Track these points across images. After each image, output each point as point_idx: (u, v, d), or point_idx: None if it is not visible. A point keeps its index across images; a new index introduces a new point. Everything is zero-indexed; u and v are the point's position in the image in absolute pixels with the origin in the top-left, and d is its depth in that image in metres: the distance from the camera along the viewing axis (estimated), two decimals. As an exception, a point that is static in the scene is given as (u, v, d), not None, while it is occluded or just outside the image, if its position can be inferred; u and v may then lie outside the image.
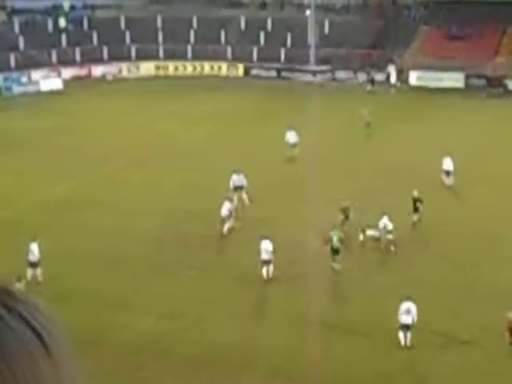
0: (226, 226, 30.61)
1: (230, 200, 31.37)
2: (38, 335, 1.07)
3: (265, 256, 26.55)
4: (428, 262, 27.90)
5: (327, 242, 27.37)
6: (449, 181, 35.79)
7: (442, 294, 25.14)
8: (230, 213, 30.71)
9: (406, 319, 22.10)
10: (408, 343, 22.12)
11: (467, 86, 59.43)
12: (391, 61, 62.20)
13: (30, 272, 26.82)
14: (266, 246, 26.60)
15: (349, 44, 65.07)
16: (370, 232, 29.02)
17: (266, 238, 26.79)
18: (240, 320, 23.77)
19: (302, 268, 27.27)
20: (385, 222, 28.56)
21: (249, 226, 30.87)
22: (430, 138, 44.03)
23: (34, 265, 26.93)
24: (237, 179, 32.69)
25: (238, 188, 32.70)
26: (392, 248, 28.65)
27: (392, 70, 61.22)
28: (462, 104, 53.86)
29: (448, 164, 35.70)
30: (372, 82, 59.88)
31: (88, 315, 23.74)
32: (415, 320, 22.08)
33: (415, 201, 31.04)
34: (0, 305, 1.05)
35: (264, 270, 26.53)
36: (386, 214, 28.63)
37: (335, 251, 27.31)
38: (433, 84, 59.56)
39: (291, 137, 39.95)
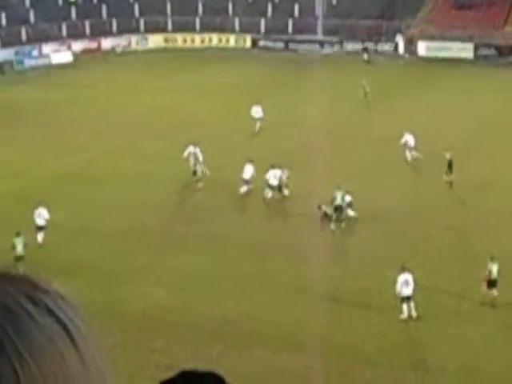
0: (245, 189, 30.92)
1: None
2: (67, 330, 1.01)
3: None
4: (435, 233, 27.77)
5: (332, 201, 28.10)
6: (410, 155, 35.03)
7: (448, 264, 25.05)
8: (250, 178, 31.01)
9: (406, 291, 21.93)
10: (413, 314, 22.04)
11: (476, 55, 58.89)
12: (399, 31, 61.59)
13: (39, 236, 27.06)
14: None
15: (357, 14, 64.46)
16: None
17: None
18: (249, 292, 23.76)
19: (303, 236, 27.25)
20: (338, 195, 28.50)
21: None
22: (437, 108, 43.80)
23: (41, 228, 27.14)
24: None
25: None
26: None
27: (400, 40, 60.68)
28: (471, 74, 53.31)
29: (410, 139, 34.86)
30: (366, 50, 59.40)
31: (98, 287, 23.71)
32: (414, 290, 21.96)
33: (449, 162, 31.24)
34: (26, 298, 0.99)
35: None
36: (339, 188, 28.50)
37: (337, 209, 28.03)
38: (441, 54, 58.98)
39: (257, 112, 39.69)
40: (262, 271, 25.19)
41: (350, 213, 28.60)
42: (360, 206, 28.65)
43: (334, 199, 28.32)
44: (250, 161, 31.35)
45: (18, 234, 25.17)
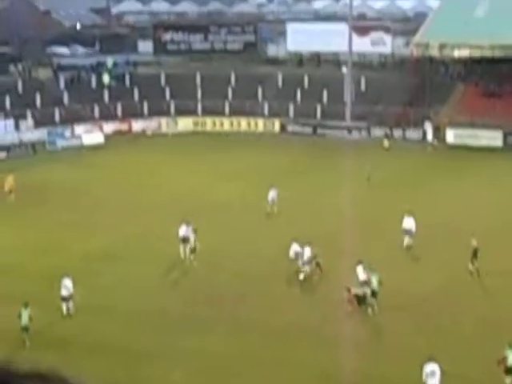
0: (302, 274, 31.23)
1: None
2: None
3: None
4: (461, 321, 27.71)
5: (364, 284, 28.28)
6: (408, 241, 35.06)
7: (475, 353, 24.91)
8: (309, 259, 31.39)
9: (432, 382, 21.59)
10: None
11: (506, 144, 59.09)
12: (428, 118, 62.35)
13: (64, 306, 28.20)
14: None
15: (385, 101, 65.51)
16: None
17: None
18: (271, 378, 23.78)
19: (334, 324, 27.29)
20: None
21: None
22: (465, 196, 44.18)
23: (66, 299, 28.28)
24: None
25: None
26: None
27: (428, 127, 61.33)
28: (500, 162, 53.41)
29: (409, 223, 34.87)
30: (387, 137, 60.25)
31: (120, 368, 23.98)
32: (440, 380, 21.74)
33: (475, 250, 31.32)
34: None
35: None
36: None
37: (374, 293, 28.19)
38: (470, 142, 59.30)
39: (272, 194, 40.83)
40: (285, 356, 25.24)
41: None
42: (387, 291, 28.72)
43: (369, 283, 28.37)
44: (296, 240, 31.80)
45: (25, 305, 26.17)
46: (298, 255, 31.51)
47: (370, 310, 28.30)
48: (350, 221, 37.79)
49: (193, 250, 33.72)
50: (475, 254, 31.48)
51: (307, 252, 31.36)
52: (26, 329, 25.97)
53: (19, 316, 25.99)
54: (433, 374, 21.68)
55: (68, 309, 28.43)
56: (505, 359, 22.83)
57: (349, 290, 28.47)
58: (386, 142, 59.07)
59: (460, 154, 56.63)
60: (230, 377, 23.95)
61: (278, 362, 24.75)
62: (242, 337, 26.71)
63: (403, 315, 28.11)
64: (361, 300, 28.42)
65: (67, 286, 28.42)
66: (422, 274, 31.91)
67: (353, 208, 40.06)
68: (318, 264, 31.48)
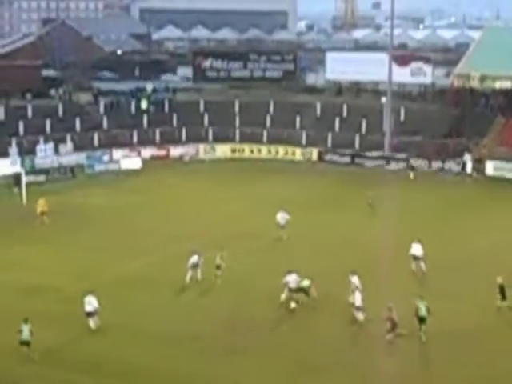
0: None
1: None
2: None
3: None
4: (495, 359, 27.67)
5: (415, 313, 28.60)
6: (415, 266, 35.94)
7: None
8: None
9: None
10: None
11: (546, 177, 58.89)
12: (467, 150, 62.32)
13: (91, 322, 29.37)
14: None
15: (424, 132, 65.62)
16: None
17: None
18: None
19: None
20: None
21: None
22: (503, 230, 44.10)
23: (91, 314, 29.43)
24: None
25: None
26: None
27: (468, 159, 61.28)
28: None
29: (417, 249, 35.97)
30: (412, 168, 60.69)
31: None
32: None
33: (501, 287, 31.26)
34: None
35: None
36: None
37: (422, 320, 28.52)
38: (510, 175, 59.20)
39: (281, 218, 41.56)
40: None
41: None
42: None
43: (417, 309, 28.61)
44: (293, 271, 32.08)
45: (25, 321, 27.26)
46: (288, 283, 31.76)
47: (423, 337, 28.55)
48: (382, 252, 37.92)
49: (218, 267, 34.79)
50: (502, 290, 31.26)
51: (293, 279, 31.64)
52: (26, 343, 27.05)
53: (19, 331, 27.03)
54: None
55: (95, 323, 29.44)
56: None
57: (390, 310, 28.59)
58: (411, 174, 59.61)
59: (499, 186, 56.53)
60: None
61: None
62: (271, 367, 26.89)
63: (442, 348, 28.16)
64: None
65: (91, 302, 29.51)
66: (459, 307, 31.91)
67: (385, 239, 40.14)
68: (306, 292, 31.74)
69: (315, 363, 27.08)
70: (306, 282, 31.73)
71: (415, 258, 36.06)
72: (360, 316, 30.29)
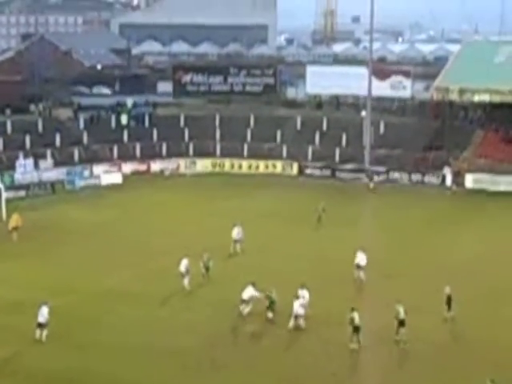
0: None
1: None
2: None
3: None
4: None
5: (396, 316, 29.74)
6: (359, 274, 37.14)
7: None
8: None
9: None
10: None
11: (526, 189, 59.55)
12: (447, 163, 62.95)
13: (37, 333, 29.88)
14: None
15: (404, 145, 66.21)
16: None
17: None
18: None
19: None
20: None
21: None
22: (481, 241, 44.73)
23: (41, 326, 29.96)
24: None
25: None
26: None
27: (448, 172, 61.91)
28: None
29: (361, 258, 37.11)
30: (371, 179, 61.85)
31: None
32: None
33: (448, 298, 31.98)
34: None
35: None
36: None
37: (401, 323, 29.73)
38: (490, 187, 59.82)
39: (236, 233, 42.48)
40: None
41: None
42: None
43: (397, 313, 29.73)
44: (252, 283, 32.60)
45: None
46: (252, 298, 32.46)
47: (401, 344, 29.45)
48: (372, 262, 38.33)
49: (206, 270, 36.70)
50: (449, 301, 31.96)
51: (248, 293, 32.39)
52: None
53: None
54: None
55: (41, 335, 29.91)
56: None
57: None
58: (371, 184, 60.93)
59: (479, 198, 57.23)
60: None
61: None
62: (257, 381, 27.08)
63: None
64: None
65: (43, 313, 30.01)
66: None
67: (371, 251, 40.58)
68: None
69: (296, 377, 27.33)
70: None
71: (358, 266, 37.18)
72: (301, 322, 31.29)
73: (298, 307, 31.14)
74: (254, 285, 32.67)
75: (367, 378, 27.74)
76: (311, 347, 29.84)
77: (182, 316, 32.94)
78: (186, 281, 36.07)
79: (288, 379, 27.33)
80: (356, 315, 29.57)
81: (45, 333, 29.90)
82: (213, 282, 36.84)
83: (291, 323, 31.18)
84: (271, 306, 32.19)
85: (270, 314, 32.16)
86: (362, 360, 29.06)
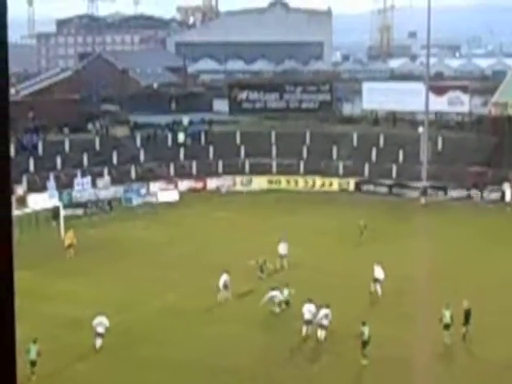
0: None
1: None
2: None
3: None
4: None
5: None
6: (375, 288, 37.46)
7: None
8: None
9: None
10: None
11: None
12: (506, 179, 62.10)
13: (98, 342, 30.89)
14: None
15: (462, 161, 65.50)
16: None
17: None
18: None
19: None
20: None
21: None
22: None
23: (101, 335, 31.04)
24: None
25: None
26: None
27: (507, 188, 61.07)
28: None
29: (378, 272, 37.52)
30: (425, 194, 61.40)
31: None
32: None
33: (466, 312, 31.51)
34: None
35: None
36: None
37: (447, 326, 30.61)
38: (549, 203, 58.90)
39: (282, 248, 43.07)
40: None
41: None
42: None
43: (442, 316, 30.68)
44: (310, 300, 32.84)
45: (34, 341, 28.28)
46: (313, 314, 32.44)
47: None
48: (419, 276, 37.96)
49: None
50: (467, 316, 31.52)
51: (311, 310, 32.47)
52: (33, 363, 28.05)
53: (27, 351, 27.77)
54: None
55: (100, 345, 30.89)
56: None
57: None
58: (422, 200, 60.48)
59: (540, 215, 56.24)
60: None
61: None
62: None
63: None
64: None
65: (103, 322, 31.08)
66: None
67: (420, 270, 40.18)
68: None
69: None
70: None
71: (376, 280, 37.38)
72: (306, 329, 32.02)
73: (307, 312, 32.03)
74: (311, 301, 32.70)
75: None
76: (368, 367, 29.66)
77: (237, 333, 32.97)
78: (222, 294, 37.02)
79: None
80: (366, 329, 29.67)
81: (99, 343, 31.02)
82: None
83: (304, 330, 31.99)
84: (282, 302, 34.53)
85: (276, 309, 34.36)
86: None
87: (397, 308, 35.44)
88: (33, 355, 27.96)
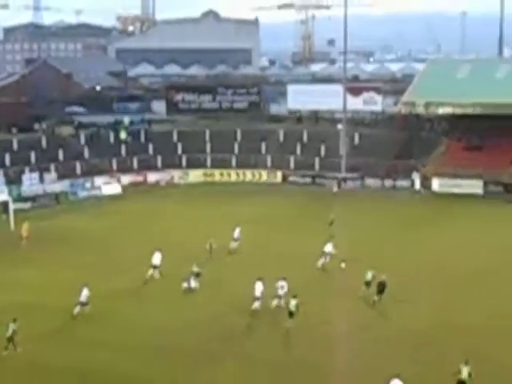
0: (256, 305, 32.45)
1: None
2: None
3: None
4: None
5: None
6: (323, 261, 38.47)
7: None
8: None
9: None
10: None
11: (486, 192, 60.07)
12: (415, 169, 63.45)
13: (76, 309, 31.91)
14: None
15: (376, 154, 66.66)
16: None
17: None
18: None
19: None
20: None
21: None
22: (449, 238, 45.11)
23: (83, 304, 32.05)
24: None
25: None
26: None
27: (416, 177, 62.44)
28: (481, 208, 54.71)
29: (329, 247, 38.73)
30: (339, 183, 62.58)
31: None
32: None
33: (380, 284, 32.86)
34: None
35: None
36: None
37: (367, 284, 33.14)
38: (454, 190, 60.40)
39: (235, 233, 43.17)
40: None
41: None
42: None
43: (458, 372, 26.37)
44: (260, 279, 32.77)
45: (14, 320, 28.30)
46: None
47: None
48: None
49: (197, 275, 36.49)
50: (380, 288, 32.75)
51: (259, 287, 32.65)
52: (8, 339, 28.10)
53: (6, 328, 28.08)
54: None
55: (78, 312, 31.74)
56: (458, 372, 23.92)
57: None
58: (335, 188, 61.63)
59: (444, 200, 57.73)
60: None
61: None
62: (250, 371, 27.03)
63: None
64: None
65: (84, 294, 32.17)
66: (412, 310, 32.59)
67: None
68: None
69: (287, 364, 27.41)
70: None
71: (325, 254, 38.77)
72: (257, 305, 32.15)
73: (258, 291, 32.27)
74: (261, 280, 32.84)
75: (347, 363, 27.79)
76: (298, 338, 29.99)
77: (179, 315, 32.78)
78: (154, 273, 37.23)
79: (281, 365, 27.25)
80: (293, 301, 30.19)
81: (87, 309, 31.95)
82: (209, 282, 36.69)
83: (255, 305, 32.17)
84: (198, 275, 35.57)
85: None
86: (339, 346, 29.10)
87: (324, 283, 36.13)
88: (9, 332, 27.97)
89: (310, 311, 31.39)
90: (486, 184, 60.48)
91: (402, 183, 63.16)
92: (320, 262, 38.66)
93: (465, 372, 23.91)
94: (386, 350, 28.36)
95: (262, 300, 32.31)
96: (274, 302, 32.39)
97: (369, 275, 33.90)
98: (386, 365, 26.33)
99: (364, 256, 40.07)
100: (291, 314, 30.33)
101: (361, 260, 38.74)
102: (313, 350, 28.54)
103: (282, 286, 32.50)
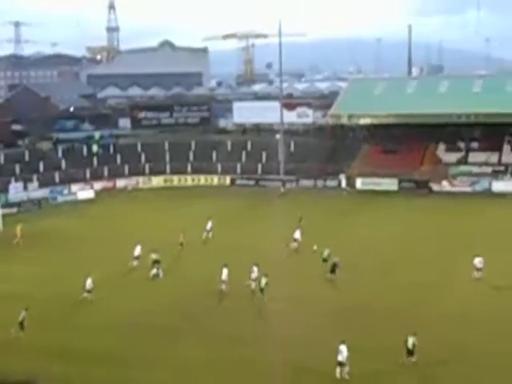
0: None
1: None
2: None
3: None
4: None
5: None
6: (294, 245, 39.77)
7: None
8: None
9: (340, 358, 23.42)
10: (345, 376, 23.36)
11: (400, 188, 61.07)
12: (342, 171, 64.15)
13: (84, 295, 31.94)
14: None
15: (309, 159, 67.24)
16: None
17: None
18: (233, 375, 24.22)
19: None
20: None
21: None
22: (370, 227, 45.84)
23: (89, 291, 31.89)
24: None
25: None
26: None
27: (342, 177, 63.09)
28: (396, 201, 55.72)
29: (297, 234, 40.13)
30: (284, 185, 62.90)
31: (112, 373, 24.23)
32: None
33: (333, 265, 33.86)
34: None
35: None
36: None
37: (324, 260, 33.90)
38: (374, 187, 61.24)
39: (208, 225, 43.67)
40: (241, 359, 25.55)
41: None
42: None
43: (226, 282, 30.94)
44: (225, 265, 32.87)
45: (26, 309, 28.04)
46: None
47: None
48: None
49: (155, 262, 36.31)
50: (333, 268, 33.73)
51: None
52: (21, 324, 27.74)
53: (19, 313, 27.84)
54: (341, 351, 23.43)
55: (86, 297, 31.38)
56: (406, 342, 24.32)
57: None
58: (281, 189, 61.62)
59: (366, 196, 58.56)
60: (203, 378, 24.36)
61: (237, 363, 25.07)
62: (212, 345, 26.82)
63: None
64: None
65: (89, 283, 32.06)
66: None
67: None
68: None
69: (240, 335, 27.44)
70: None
71: (295, 240, 39.94)
72: (223, 287, 32.25)
73: (224, 275, 32.28)
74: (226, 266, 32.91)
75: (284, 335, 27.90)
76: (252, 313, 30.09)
77: (154, 297, 32.52)
78: (134, 263, 37.11)
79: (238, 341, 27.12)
80: (264, 280, 30.61)
81: (90, 297, 31.76)
82: (169, 266, 36.55)
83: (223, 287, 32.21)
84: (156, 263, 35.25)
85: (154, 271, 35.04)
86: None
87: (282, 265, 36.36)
88: (20, 318, 27.80)
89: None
90: (400, 181, 61.42)
91: (331, 183, 63.79)
92: (292, 246, 39.70)
93: (410, 341, 24.27)
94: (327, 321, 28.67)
95: (227, 283, 32.30)
96: (251, 284, 32.23)
97: (325, 253, 35.16)
98: (330, 334, 26.58)
99: (312, 237, 40.45)
100: (262, 290, 30.73)
101: (312, 240, 39.13)
102: (266, 324, 28.66)
103: (254, 271, 32.57)
